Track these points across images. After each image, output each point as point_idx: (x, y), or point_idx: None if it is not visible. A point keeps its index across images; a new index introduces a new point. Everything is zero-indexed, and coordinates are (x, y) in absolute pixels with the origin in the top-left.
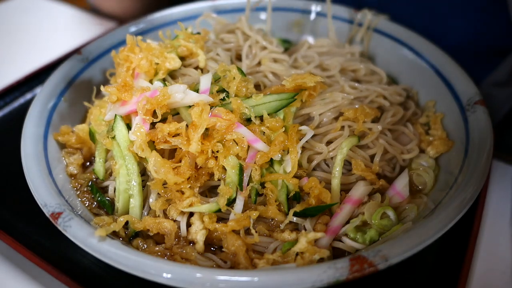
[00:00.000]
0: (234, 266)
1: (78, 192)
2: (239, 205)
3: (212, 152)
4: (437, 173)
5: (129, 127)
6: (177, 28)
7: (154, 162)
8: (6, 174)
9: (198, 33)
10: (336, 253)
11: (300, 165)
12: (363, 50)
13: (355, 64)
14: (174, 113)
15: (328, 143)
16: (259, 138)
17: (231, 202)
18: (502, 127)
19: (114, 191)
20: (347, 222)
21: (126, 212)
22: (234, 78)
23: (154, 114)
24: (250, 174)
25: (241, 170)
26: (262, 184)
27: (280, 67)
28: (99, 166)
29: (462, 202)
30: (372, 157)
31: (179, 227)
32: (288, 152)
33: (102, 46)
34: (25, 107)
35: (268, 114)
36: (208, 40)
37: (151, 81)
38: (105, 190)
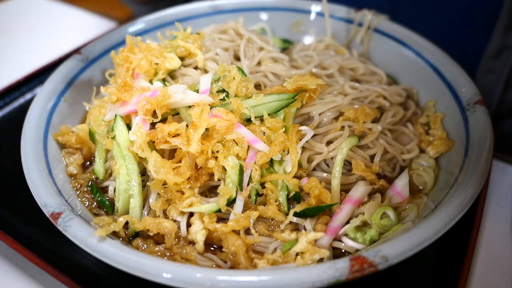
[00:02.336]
0: (234, 266)
1: (78, 192)
2: (239, 205)
3: (212, 152)
4: (437, 173)
5: (129, 127)
6: (177, 29)
7: (154, 162)
8: (6, 174)
9: (197, 33)
10: (336, 253)
11: (300, 165)
12: (363, 51)
13: (353, 62)
14: (174, 113)
15: (328, 143)
16: (259, 138)
17: (231, 202)
18: (498, 116)
19: (114, 191)
20: (347, 222)
21: (126, 212)
22: (234, 78)
23: (154, 114)
24: (250, 174)
25: (241, 170)
26: (262, 184)
27: (280, 67)
28: (99, 166)
29: (462, 202)
30: (372, 157)
31: (179, 227)
32: (288, 152)
33: (102, 46)
34: (25, 107)
35: (268, 114)
36: (206, 40)
37: (151, 81)
38: (105, 190)
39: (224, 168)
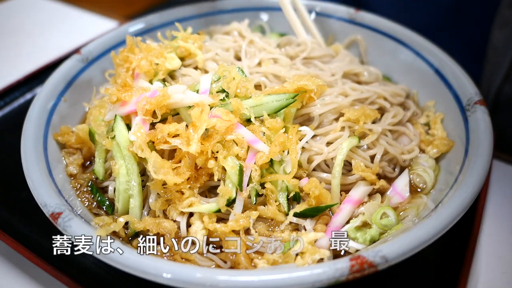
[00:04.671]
0: (234, 266)
1: (78, 192)
2: (238, 205)
3: (212, 152)
4: (437, 173)
5: (129, 127)
6: (177, 29)
7: (153, 162)
8: (6, 174)
9: (198, 33)
10: (336, 253)
11: (300, 166)
12: (362, 51)
13: (357, 67)
14: (174, 114)
15: (328, 143)
16: (259, 139)
17: (231, 203)
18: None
19: (114, 191)
20: (347, 222)
21: (126, 212)
22: (234, 78)
23: (154, 114)
24: (250, 175)
25: (241, 170)
26: (262, 185)
27: (281, 68)
28: (99, 166)
29: (462, 202)
30: (372, 157)
31: (179, 227)
32: (288, 153)
33: (102, 46)
34: (25, 107)
35: (268, 115)
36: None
37: (151, 81)
38: (105, 190)
39: (224, 169)
